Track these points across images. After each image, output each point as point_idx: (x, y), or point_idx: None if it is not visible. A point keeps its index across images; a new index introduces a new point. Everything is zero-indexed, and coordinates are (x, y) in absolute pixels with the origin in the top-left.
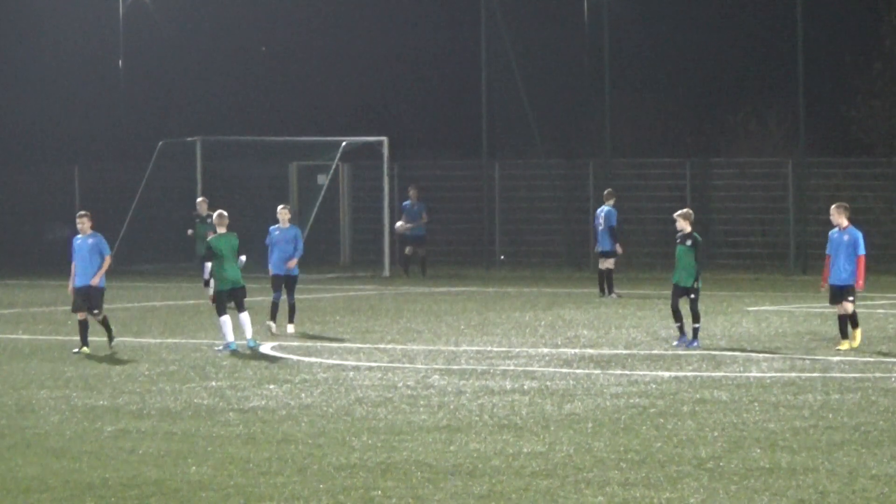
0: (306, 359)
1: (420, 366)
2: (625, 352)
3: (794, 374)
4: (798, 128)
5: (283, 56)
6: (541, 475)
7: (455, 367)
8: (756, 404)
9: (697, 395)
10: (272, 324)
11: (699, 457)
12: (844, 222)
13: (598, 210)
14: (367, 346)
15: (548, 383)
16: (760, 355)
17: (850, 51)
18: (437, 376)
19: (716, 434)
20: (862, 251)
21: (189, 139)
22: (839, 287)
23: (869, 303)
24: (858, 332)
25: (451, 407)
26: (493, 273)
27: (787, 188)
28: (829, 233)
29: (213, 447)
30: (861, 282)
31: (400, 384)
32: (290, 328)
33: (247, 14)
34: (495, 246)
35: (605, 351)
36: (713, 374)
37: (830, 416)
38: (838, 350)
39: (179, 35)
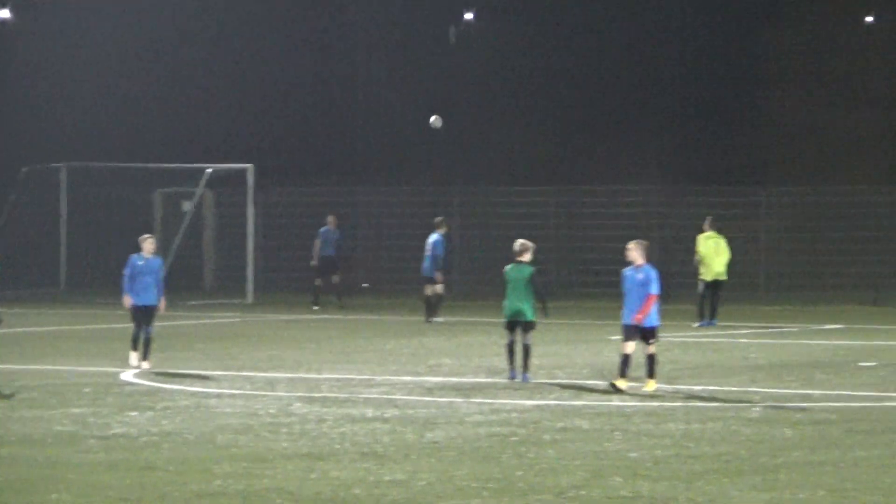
0: (168, 386)
1: (282, 393)
2: (487, 380)
3: (655, 404)
4: (663, 156)
5: (148, 82)
6: (402, 503)
7: (317, 394)
8: (617, 433)
9: (559, 424)
10: (134, 354)
11: (560, 485)
12: (640, 260)
13: (428, 238)
14: (230, 373)
15: (409, 411)
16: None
17: (720, 79)
18: (299, 404)
19: (577, 463)
20: (654, 291)
21: (53, 165)
22: (647, 328)
23: (732, 332)
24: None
25: (313, 434)
26: (356, 300)
27: (652, 216)
28: (623, 271)
29: (74, 474)
30: (640, 316)
31: (262, 412)
32: (146, 364)
33: (111, 40)
34: (359, 273)
35: (468, 379)
36: (575, 402)
37: (692, 445)
38: (614, 385)
39: (43, 60)
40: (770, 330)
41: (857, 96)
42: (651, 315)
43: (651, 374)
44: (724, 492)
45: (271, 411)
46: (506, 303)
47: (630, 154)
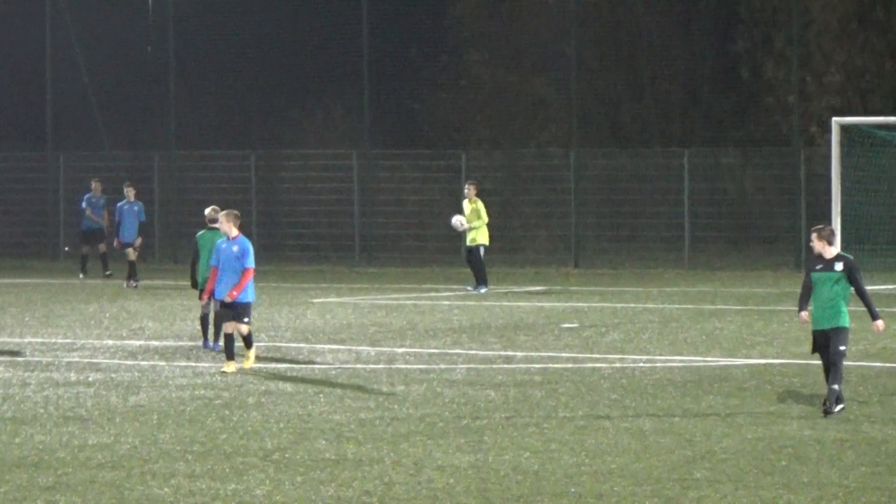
0: None
1: None
2: (189, 343)
3: (359, 366)
4: (363, 120)
5: None
6: (107, 467)
7: (20, 359)
8: (321, 396)
9: (263, 387)
10: None
11: (265, 448)
12: (234, 231)
13: (121, 204)
14: None
15: (113, 375)
16: (326, 346)
17: (416, 43)
18: (1, 368)
19: (281, 426)
20: (250, 264)
21: None
22: (241, 304)
23: (433, 294)
24: (252, 351)
25: (17, 399)
26: (58, 265)
27: (352, 180)
28: (217, 243)
29: None
30: (235, 293)
31: None
32: None
33: None
34: (60, 238)
35: (170, 343)
36: (278, 365)
37: (396, 407)
38: (224, 372)
39: None
40: (473, 292)
41: (535, 60)
42: (246, 290)
43: (248, 345)
44: (428, 453)
45: None
46: (200, 268)
47: (325, 118)
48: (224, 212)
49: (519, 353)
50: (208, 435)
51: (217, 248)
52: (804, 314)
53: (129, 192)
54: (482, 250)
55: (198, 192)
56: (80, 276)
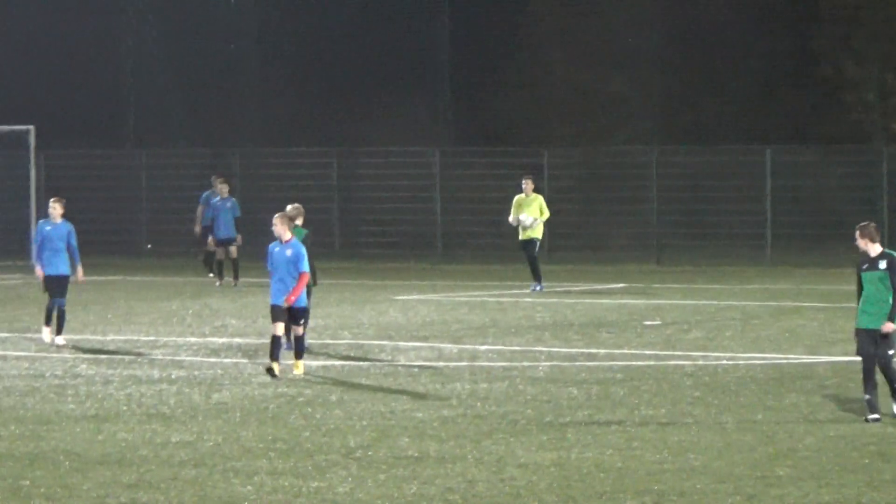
0: None
1: (67, 355)
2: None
3: (441, 363)
4: (444, 117)
5: None
6: (189, 464)
7: (103, 356)
8: (404, 393)
9: (345, 385)
10: (46, 329)
11: (347, 446)
12: (288, 235)
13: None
14: (14, 335)
15: (195, 372)
16: (408, 344)
17: (496, 40)
18: (84, 365)
19: (364, 423)
20: (305, 268)
21: None
22: (297, 309)
23: (516, 291)
24: (302, 362)
25: (99, 396)
26: (140, 262)
27: (433, 177)
28: (269, 248)
29: None
30: (293, 298)
31: (47, 373)
32: (60, 339)
33: None
34: (142, 235)
35: (253, 340)
36: (361, 363)
37: (478, 404)
38: (269, 370)
39: None
40: (555, 289)
41: (615, 57)
42: (301, 295)
43: (299, 355)
44: (511, 451)
45: (57, 373)
46: None
47: (405, 116)
48: (278, 214)
49: (601, 351)
50: (291, 432)
51: (270, 253)
52: (889, 325)
53: (223, 188)
54: (537, 245)
55: (278, 190)
56: (217, 283)
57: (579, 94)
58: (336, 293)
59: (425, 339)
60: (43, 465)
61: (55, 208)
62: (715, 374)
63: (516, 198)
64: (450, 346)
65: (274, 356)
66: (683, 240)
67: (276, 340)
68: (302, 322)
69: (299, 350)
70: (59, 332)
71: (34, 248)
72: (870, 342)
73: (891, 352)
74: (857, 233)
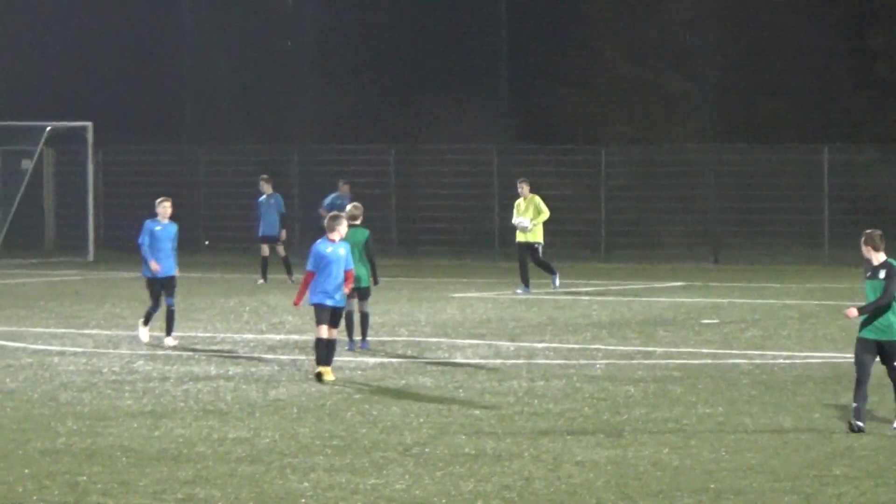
0: (10, 344)
1: (125, 351)
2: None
3: (498, 361)
4: (501, 115)
5: None
6: (246, 461)
7: (160, 352)
8: (461, 391)
9: (402, 382)
10: (145, 329)
11: (404, 443)
12: (337, 237)
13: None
14: (72, 331)
15: (252, 369)
16: (465, 341)
17: (552, 38)
18: (141, 361)
19: (421, 420)
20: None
21: None
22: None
23: (573, 289)
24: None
25: (156, 392)
26: (197, 259)
27: (491, 175)
28: (316, 246)
29: None
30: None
31: (105, 369)
32: (171, 340)
33: None
34: (199, 231)
35: (310, 337)
36: (418, 360)
37: (535, 402)
38: (318, 375)
39: None
40: (611, 287)
41: (673, 55)
42: (342, 297)
43: (328, 361)
44: (568, 449)
45: (114, 369)
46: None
47: (462, 113)
48: (334, 213)
49: (658, 349)
50: (348, 429)
51: (316, 253)
52: (852, 310)
53: (267, 186)
54: (540, 249)
55: (336, 187)
56: (259, 280)
57: (637, 92)
58: (393, 291)
59: (482, 336)
60: (100, 461)
61: (165, 208)
62: (772, 372)
63: (517, 202)
64: (507, 343)
65: (322, 360)
66: (741, 238)
67: (320, 343)
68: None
69: (331, 354)
70: (169, 331)
71: (143, 247)
72: (871, 352)
73: None
74: (862, 240)
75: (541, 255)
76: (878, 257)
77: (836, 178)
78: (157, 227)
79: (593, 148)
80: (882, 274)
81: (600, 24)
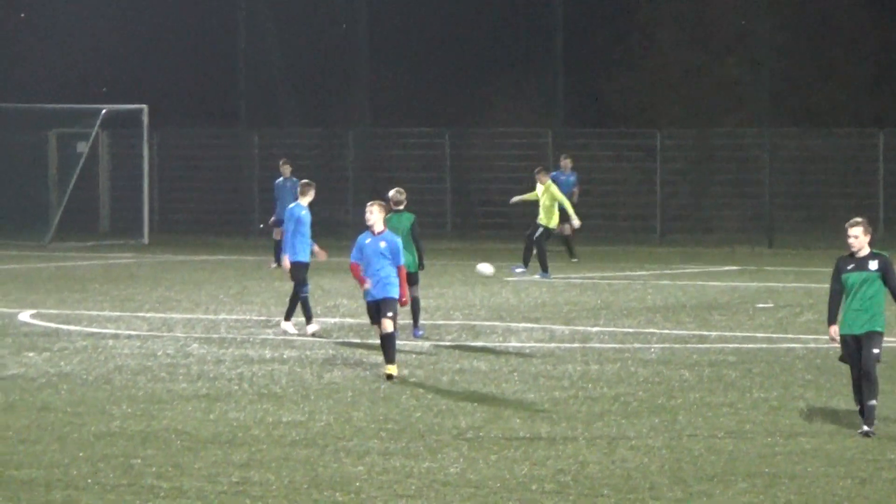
0: (65, 327)
1: (179, 334)
2: None
3: (553, 345)
4: (556, 98)
5: (41, 22)
6: (300, 444)
7: (214, 335)
8: (515, 374)
9: (457, 366)
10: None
11: (459, 426)
12: (381, 226)
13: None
14: (126, 314)
15: (307, 352)
16: (520, 325)
17: (607, 22)
18: (196, 345)
19: (475, 404)
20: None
21: None
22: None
23: (628, 273)
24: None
25: (211, 376)
26: (251, 242)
27: (546, 158)
28: (360, 238)
29: None
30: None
31: (159, 353)
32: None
33: None
34: (255, 215)
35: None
36: (472, 343)
37: (590, 386)
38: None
39: None
40: (666, 271)
41: (728, 39)
42: (393, 286)
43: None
44: (622, 433)
45: (169, 352)
46: None
47: (519, 96)
48: (374, 202)
49: (713, 333)
50: (402, 413)
51: (360, 246)
52: (835, 328)
53: (285, 169)
54: (543, 233)
55: (391, 170)
56: (273, 265)
57: (692, 76)
58: (447, 274)
59: (537, 320)
60: (154, 444)
61: (310, 193)
62: (827, 357)
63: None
64: (561, 327)
65: (385, 358)
66: (795, 223)
67: (380, 341)
68: (390, 315)
69: (391, 350)
70: (308, 320)
71: (286, 233)
72: (857, 346)
73: (876, 351)
74: (861, 228)
75: (536, 237)
76: (867, 248)
77: (890, 163)
78: (303, 212)
79: (649, 132)
80: (874, 265)
81: (656, 9)
